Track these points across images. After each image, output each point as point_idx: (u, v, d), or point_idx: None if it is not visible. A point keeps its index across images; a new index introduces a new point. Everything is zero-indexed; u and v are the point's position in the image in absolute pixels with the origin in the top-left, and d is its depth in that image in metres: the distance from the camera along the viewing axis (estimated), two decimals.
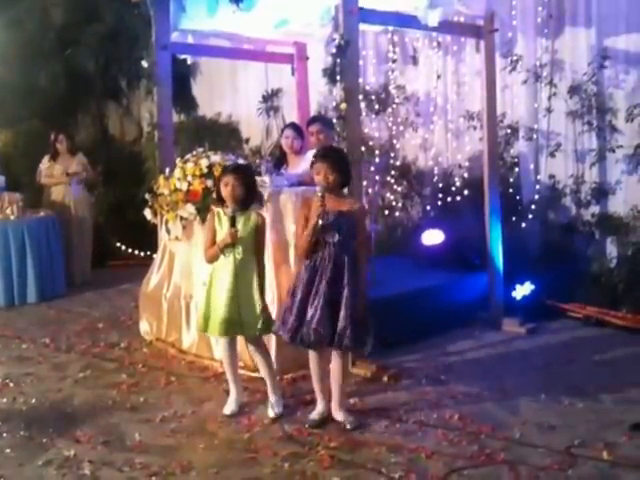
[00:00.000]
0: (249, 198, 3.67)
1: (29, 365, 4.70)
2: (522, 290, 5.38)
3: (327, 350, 3.55)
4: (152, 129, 5.59)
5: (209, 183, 4.48)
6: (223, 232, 3.62)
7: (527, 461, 3.11)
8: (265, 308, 3.68)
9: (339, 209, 3.44)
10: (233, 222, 3.56)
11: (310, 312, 3.41)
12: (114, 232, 8.20)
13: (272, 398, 3.73)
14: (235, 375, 3.84)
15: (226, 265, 3.60)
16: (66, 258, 7.07)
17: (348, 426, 3.48)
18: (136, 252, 8.05)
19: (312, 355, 3.58)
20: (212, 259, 3.66)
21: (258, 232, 3.68)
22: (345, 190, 3.65)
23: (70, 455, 3.29)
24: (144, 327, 5.24)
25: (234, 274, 3.57)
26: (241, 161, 4.75)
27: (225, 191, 3.60)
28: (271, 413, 3.67)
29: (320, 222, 3.39)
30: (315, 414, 3.60)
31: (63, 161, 7.27)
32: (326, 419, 3.59)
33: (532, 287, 5.38)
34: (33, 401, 4.01)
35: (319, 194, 3.42)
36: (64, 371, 4.56)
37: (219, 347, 4.15)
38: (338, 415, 3.57)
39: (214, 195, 3.85)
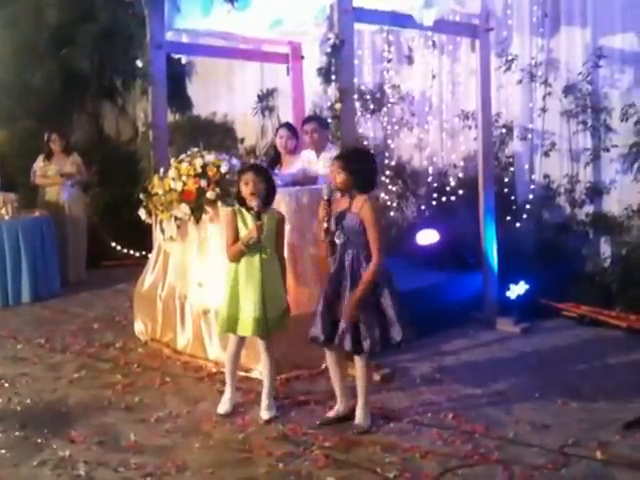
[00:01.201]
0: (272, 195, 3.70)
1: (24, 365, 4.69)
2: (516, 289, 5.39)
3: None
4: (147, 129, 5.58)
5: (203, 183, 4.48)
6: (245, 230, 3.62)
7: (521, 460, 3.12)
8: (288, 306, 3.72)
9: (345, 210, 3.42)
10: (259, 217, 3.56)
11: (330, 312, 3.41)
12: (109, 232, 8.17)
13: (267, 400, 3.72)
14: (234, 374, 3.85)
15: (253, 263, 3.60)
16: (61, 258, 7.05)
17: (355, 431, 3.45)
18: (131, 252, 8.04)
19: (328, 355, 3.56)
20: (236, 257, 3.64)
21: (279, 230, 3.72)
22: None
23: (65, 455, 3.28)
24: (139, 327, 5.24)
25: (261, 272, 3.58)
26: (235, 161, 4.74)
27: (246, 189, 3.60)
28: (266, 415, 3.67)
29: (325, 225, 3.41)
30: (332, 412, 3.60)
31: (57, 161, 7.26)
32: (340, 419, 3.56)
33: (526, 286, 5.40)
34: (28, 401, 4.01)
35: (324, 197, 3.43)
36: (59, 371, 4.55)
37: (228, 345, 4.06)
38: (357, 418, 3.52)
39: (233, 197, 3.88)
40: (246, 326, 3.63)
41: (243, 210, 3.67)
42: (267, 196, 3.65)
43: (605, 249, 5.77)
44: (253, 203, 3.57)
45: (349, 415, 3.56)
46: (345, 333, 3.36)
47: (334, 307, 3.42)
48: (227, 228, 3.71)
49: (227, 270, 3.73)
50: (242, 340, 3.78)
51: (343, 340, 3.37)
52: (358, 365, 3.50)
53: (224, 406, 3.76)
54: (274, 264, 3.67)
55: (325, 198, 3.43)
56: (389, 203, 7.04)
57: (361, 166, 3.43)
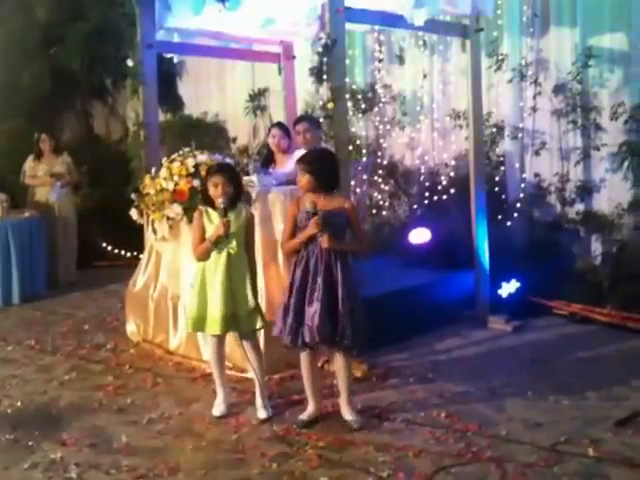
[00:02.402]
0: (237, 195, 3.69)
1: (14, 367, 4.66)
2: (508, 288, 5.42)
3: (322, 350, 3.55)
4: (138, 128, 5.56)
5: (196, 183, 4.47)
6: (213, 228, 3.61)
7: (513, 458, 3.13)
8: (258, 304, 3.70)
9: (329, 207, 3.45)
10: (225, 213, 3.57)
11: (309, 312, 3.41)
12: (100, 232, 8.13)
13: (261, 399, 3.72)
14: (223, 375, 3.83)
15: (219, 261, 3.60)
16: (51, 259, 7.02)
17: (355, 426, 3.47)
18: (122, 252, 8.01)
19: (304, 355, 3.57)
20: (203, 256, 3.64)
21: (248, 228, 3.71)
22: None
23: (56, 458, 3.27)
24: (131, 328, 5.22)
25: (228, 269, 3.57)
26: (228, 160, 4.73)
27: (215, 191, 3.60)
28: (262, 414, 3.66)
29: (309, 210, 3.40)
30: (305, 415, 3.60)
31: (47, 161, 7.22)
32: (315, 420, 3.59)
33: (518, 285, 5.42)
34: (18, 404, 3.98)
35: (312, 211, 3.43)
36: (50, 373, 4.52)
37: (207, 347, 4.14)
38: (346, 414, 3.55)
39: (201, 197, 3.84)
40: (214, 324, 3.62)
41: (209, 209, 3.67)
42: (235, 195, 3.65)
43: (596, 247, 5.80)
44: (219, 200, 3.58)
45: (320, 416, 3.60)
46: (345, 329, 3.37)
47: (305, 308, 3.42)
48: (195, 228, 3.72)
49: (194, 270, 3.73)
50: (220, 340, 3.76)
51: (344, 337, 3.38)
52: (341, 362, 3.53)
53: (219, 408, 3.75)
54: (241, 262, 3.64)
55: (312, 213, 3.42)
56: (381, 202, 7.05)
57: (323, 166, 3.50)
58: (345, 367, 3.55)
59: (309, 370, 3.59)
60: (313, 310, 3.39)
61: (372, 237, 6.59)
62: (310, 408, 3.62)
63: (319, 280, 3.41)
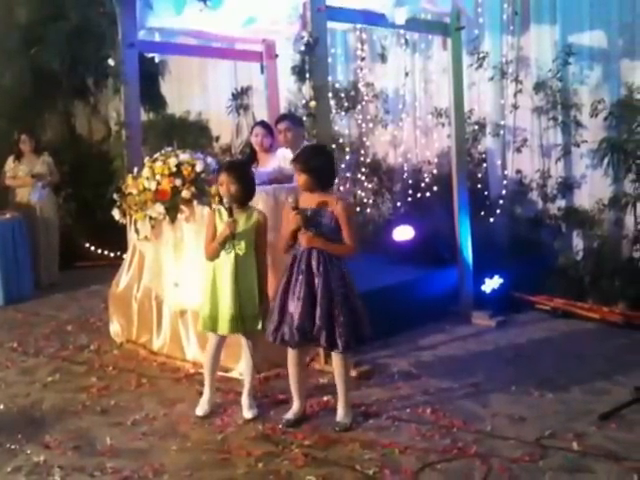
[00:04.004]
0: (246, 194, 3.67)
1: None
2: (491, 283, 5.46)
3: (307, 349, 3.54)
4: (120, 128, 5.52)
5: (178, 182, 4.45)
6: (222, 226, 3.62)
7: (499, 453, 3.16)
8: (267, 306, 3.68)
9: (318, 208, 3.43)
10: (230, 213, 3.56)
11: (290, 310, 3.41)
12: (82, 233, 8.07)
13: (249, 399, 3.72)
14: (214, 375, 3.82)
15: (227, 261, 3.60)
16: (33, 260, 6.95)
17: (336, 428, 3.46)
18: (105, 253, 7.95)
19: (290, 354, 3.57)
20: (212, 255, 3.64)
21: (260, 230, 3.70)
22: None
23: (40, 461, 3.24)
24: (114, 329, 5.19)
25: (235, 269, 3.57)
26: (210, 160, 4.71)
27: (221, 190, 3.63)
28: (249, 414, 3.66)
29: (305, 230, 3.37)
30: (290, 414, 3.60)
31: (28, 162, 7.15)
32: (301, 419, 3.58)
33: (501, 280, 5.46)
34: (1, 407, 3.94)
35: (292, 204, 3.42)
36: (32, 375, 4.48)
37: (208, 345, 4.05)
38: (339, 415, 3.53)
39: (210, 195, 3.93)
40: (224, 324, 3.63)
41: (221, 209, 3.67)
42: (243, 194, 3.64)
43: (577, 242, 5.86)
44: (224, 200, 3.61)
45: (306, 415, 3.60)
46: (321, 329, 3.36)
47: (287, 306, 3.42)
48: (207, 227, 3.73)
49: (206, 269, 3.73)
50: (222, 340, 3.76)
51: (319, 336, 3.37)
52: (337, 362, 3.51)
53: (203, 407, 3.74)
54: (250, 263, 3.65)
55: (293, 206, 3.41)
56: (365, 200, 7.06)
57: (319, 164, 3.46)
58: (338, 367, 3.52)
59: (293, 368, 3.59)
60: (293, 308, 3.39)
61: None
62: (294, 406, 3.62)
63: (300, 278, 3.40)
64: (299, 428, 3.50)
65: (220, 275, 3.63)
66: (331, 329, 3.36)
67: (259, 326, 3.66)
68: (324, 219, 3.42)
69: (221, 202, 3.71)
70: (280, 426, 3.53)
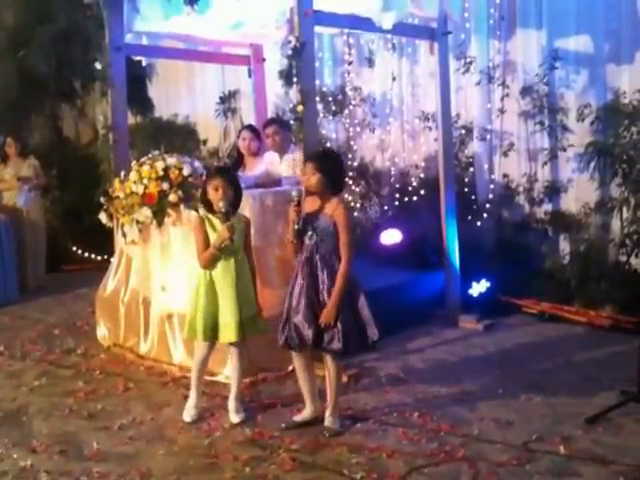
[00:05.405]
0: (239, 198, 3.67)
1: None
2: (478, 287, 5.48)
3: (312, 353, 3.52)
4: (107, 131, 5.50)
5: (165, 186, 4.44)
6: (216, 235, 3.56)
7: (486, 457, 3.17)
8: (259, 308, 3.69)
9: (318, 211, 3.43)
10: (227, 217, 3.51)
11: (293, 314, 3.40)
12: (69, 236, 8.04)
13: (236, 403, 3.70)
14: (201, 380, 3.80)
15: (228, 267, 3.56)
16: (19, 263, 6.91)
17: (325, 434, 3.44)
18: (92, 256, 7.91)
19: (294, 358, 3.56)
20: (210, 262, 3.57)
21: (247, 233, 3.71)
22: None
23: (26, 465, 3.22)
24: (101, 332, 5.16)
25: (237, 275, 3.55)
26: (197, 163, 4.71)
27: (216, 195, 3.53)
28: (236, 419, 3.64)
29: (296, 227, 3.39)
30: (299, 417, 3.58)
31: (14, 165, 7.13)
32: (307, 423, 3.55)
33: (488, 284, 5.49)
34: None
35: (295, 198, 3.41)
36: (19, 379, 4.45)
37: (196, 351, 4.02)
38: (327, 420, 3.51)
39: (197, 200, 3.81)
40: (229, 332, 3.57)
41: (210, 215, 3.61)
42: (238, 198, 3.64)
43: (564, 246, 5.89)
44: (220, 204, 3.51)
45: (315, 419, 3.57)
46: (322, 334, 3.35)
47: (310, 309, 3.39)
48: (197, 235, 3.63)
49: (198, 277, 3.65)
50: (213, 345, 3.72)
51: (331, 341, 3.35)
52: (331, 366, 3.49)
53: (190, 412, 3.71)
54: (246, 267, 3.66)
55: (296, 201, 3.42)
56: (353, 204, 7.07)
57: (333, 166, 3.46)
58: (330, 371, 3.49)
59: (300, 372, 3.57)
60: (297, 312, 3.39)
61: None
62: (305, 410, 3.60)
63: (304, 283, 3.41)
64: (286, 433, 3.48)
65: (221, 283, 3.57)
66: (332, 334, 3.35)
67: (258, 327, 3.66)
68: (321, 222, 3.41)
69: (207, 207, 3.63)
70: (282, 426, 3.52)
